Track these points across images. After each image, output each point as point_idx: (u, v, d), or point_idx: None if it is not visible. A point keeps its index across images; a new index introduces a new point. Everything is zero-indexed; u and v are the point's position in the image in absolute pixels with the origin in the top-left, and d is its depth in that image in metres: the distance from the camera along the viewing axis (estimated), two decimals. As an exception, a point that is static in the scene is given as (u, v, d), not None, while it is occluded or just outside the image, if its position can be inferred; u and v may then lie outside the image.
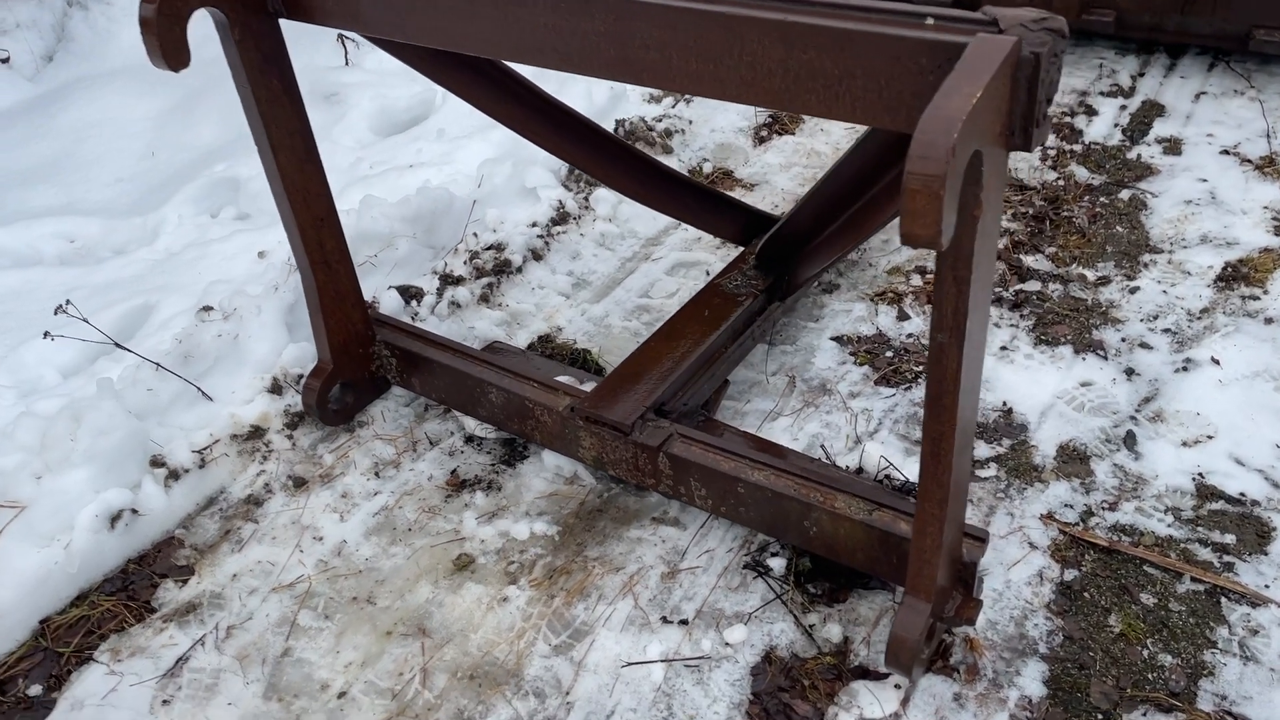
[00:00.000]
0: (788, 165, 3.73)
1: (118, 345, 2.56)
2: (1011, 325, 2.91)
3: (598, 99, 3.89)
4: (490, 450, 2.64)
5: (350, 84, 4.27)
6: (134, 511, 2.43)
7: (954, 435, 1.71)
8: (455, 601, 2.26)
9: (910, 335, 2.90)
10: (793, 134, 3.90)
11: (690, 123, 3.92)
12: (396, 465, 2.62)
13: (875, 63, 1.53)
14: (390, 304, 2.94)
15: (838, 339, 2.91)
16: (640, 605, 2.22)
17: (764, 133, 3.89)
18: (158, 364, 2.60)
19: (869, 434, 2.59)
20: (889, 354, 2.84)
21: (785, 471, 2.19)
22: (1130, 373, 2.73)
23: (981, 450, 2.53)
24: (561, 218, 3.42)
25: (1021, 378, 2.73)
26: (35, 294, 3.25)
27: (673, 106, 4.01)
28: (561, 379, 2.61)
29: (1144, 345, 2.81)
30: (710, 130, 3.92)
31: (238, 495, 2.56)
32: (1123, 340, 2.84)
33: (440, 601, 2.27)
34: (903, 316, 2.97)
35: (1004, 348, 2.83)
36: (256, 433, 2.66)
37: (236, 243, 3.32)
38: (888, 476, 2.39)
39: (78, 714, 2.10)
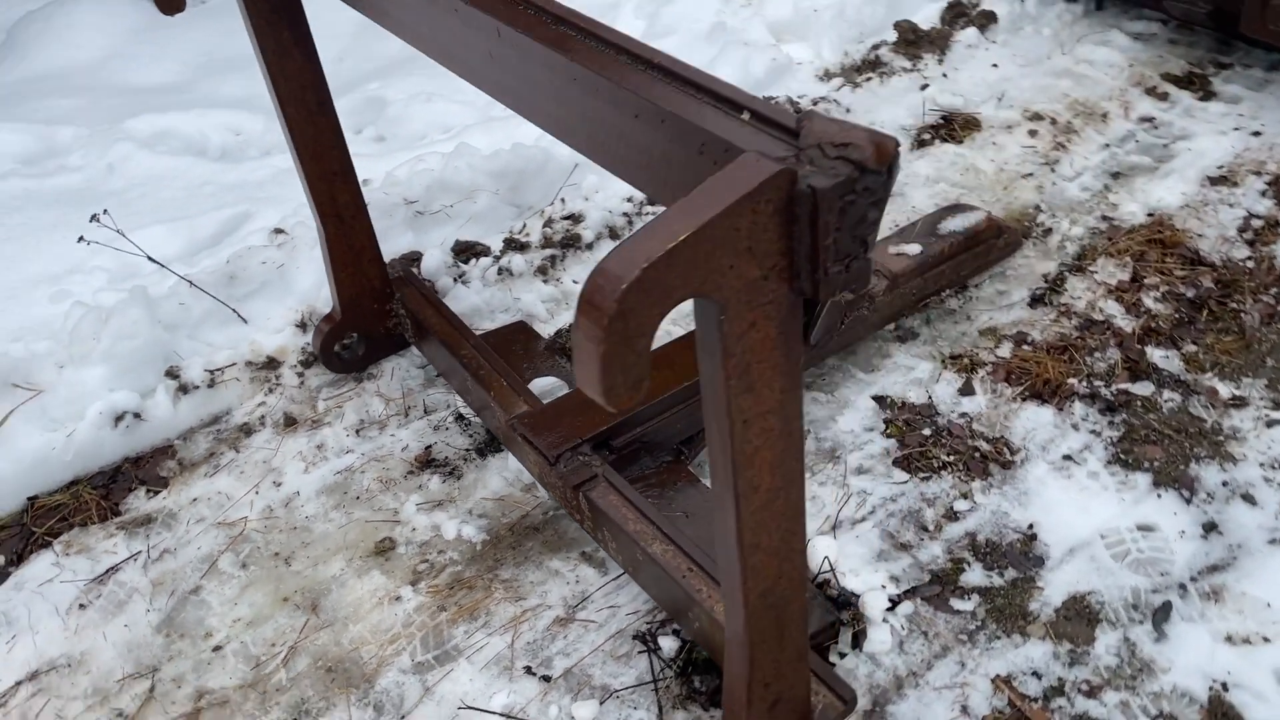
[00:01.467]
0: (935, 179, 3.28)
1: (150, 259, 2.71)
2: (1092, 431, 2.42)
3: (755, 70, 3.58)
4: (474, 434, 2.58)
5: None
6: (137, 416, 2.60)
7: (743, 591, 1.43)
8: (356, 586, 2.25)
9: (963, 415, 2.49)
10: (959, 143, 3.41)
11: (849, 110, 3.53)
12: (381, 427, 2.62)
13: (683, 151, 1.26)
14: (435, 261, 2.90)
15: (880, 399, 2.55)
16: (515, 646, 2.10)
17: (927, 135, 3.43)
18: (190, 281, 2.73)
19: (850, 522, 2.27)
20: (926, 431, 2.45)
21: (684, 552, 1.97)
22: (1210, 528, 2.20)
23: (974, 575, 2.15)
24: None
25: (1069, 499, 2.28)
26: (174, 182, 3.51)
27: (838, 89, 3.62)
28: (542, 380, 2.48)
29: (1247, 498, 2.25)
30: (869, 120, 3.51)
31: (236, 421, 2.67)
32: (1224, 484, 2.28)
33: (344, 582, 2.27)
34: (967, 391, 2.55)
35: (1068, 457, 2.36)
36: (271, 364, 2.75)
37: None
38: (825, 584, 2.09)
39: (14, 594, 2.31)
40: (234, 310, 2.79)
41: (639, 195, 3.20)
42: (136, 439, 2.61)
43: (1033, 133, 3.43)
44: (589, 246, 3.07)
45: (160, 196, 3.42)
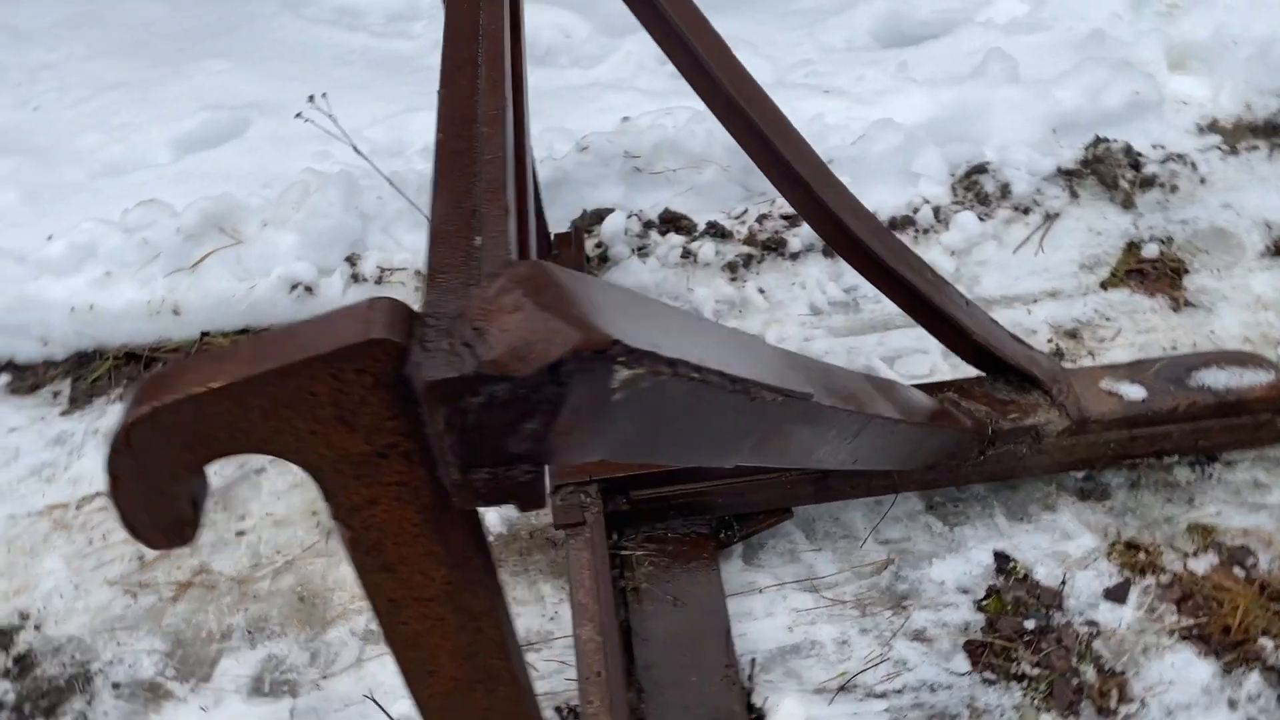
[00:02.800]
0: (1269, 304, 2.47)
1: (355, 150, 2.78)
2: (1254, 718, 1.75)
3: (1107, 100, 2.88)
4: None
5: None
6: (309, 290, 2.75)
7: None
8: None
9: (1091, 624, 1.91)
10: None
11: (1203, 180, 2.74)
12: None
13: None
14: (618, 226, 2.72)
15: (1002, 558, 2.03)
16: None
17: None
18: (390, 181, 2.79)
19: (864, 691, 1.85)
20: (1030, 624, 1.91)
21: (604, 652, 1.71)
22: None
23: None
24: (908, 221, 2.74)
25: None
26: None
27: (1207, 150, 2.82)
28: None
29: None
30: (1221, 203, 2.71)
31: (290, 305, 2.74)
32: None
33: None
34: (1117, 595, 1.94)
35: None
36: (436, 280, 2.76)
37: (623, 100, 3.26)
38: (763, 754, 1.73)
39: (103, 414, 2.58)
40: (425, 215, 2.82)
41: (892, 212, 2.75)
42: (303, 309, 2.77)
43: None
44: (793, 256, 2.71)
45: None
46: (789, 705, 1.76)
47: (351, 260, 2.79)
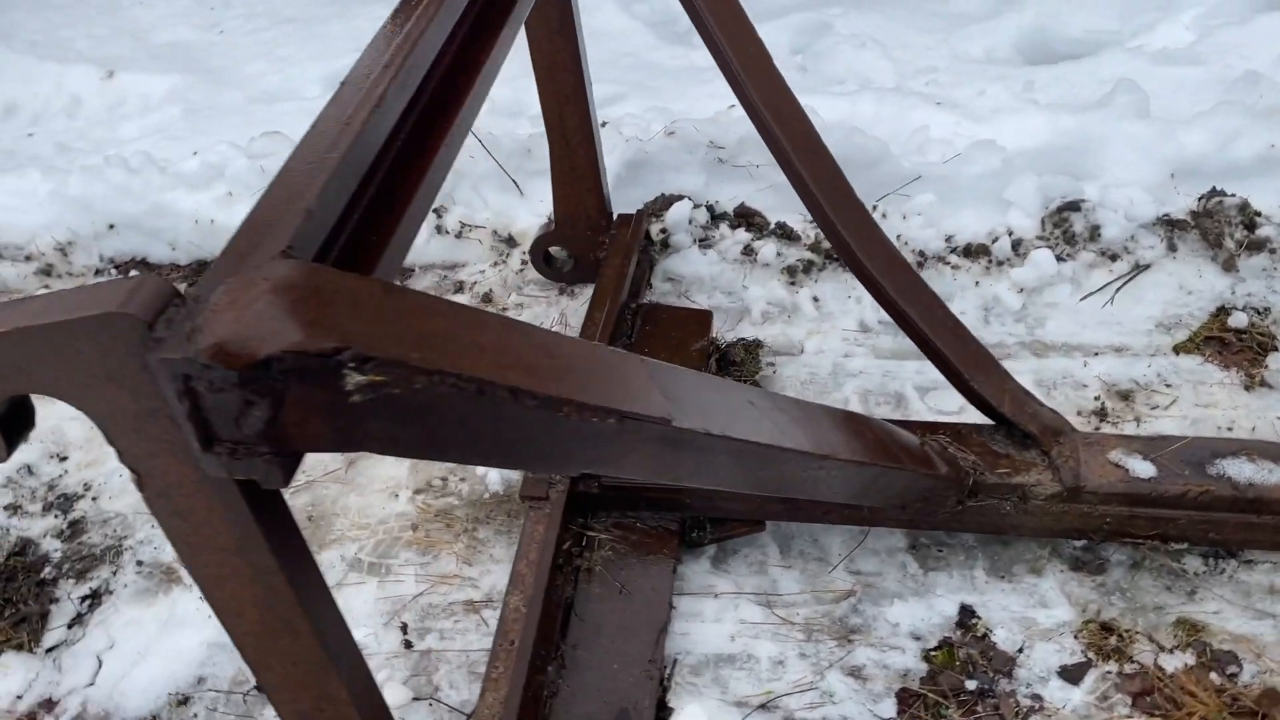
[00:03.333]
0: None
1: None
2: None
3: (1240, 152, 2.65)
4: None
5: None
6: (396, 234, 2.93)
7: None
8: (386, 463, 2.40)
9: (1036, 698, 1.83)
10: None
11: (1324, 253, 2.48)
12: (538, 344, 2.65)
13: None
14: (682, 214, 2.74)
15: (967, 613, 1.97)
16: (419, 600, 2.12)
17: None
18: (480, 140, 2.91)
19: (785, 717, 1.86)
20: (971, 685, 1.85)
21: (533, 621, 1.80)
22: None
23: None
24: (983, 250, 2.63)
25: None
26: (627, 42, 3.66)
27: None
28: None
29: None
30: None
31: (457, 277, 2.89)
32: None
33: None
34: (1073, 675, 1.85)
35: None
36: (510, 242, 2.88)
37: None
38: (655, 751, 1.77)
39: None
40: (514, 181, 2.94)
41: (968, 240, 2.66)
42: (389, 252, 2.95)
43: None
44: (856, 270, 2.66)
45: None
46: (694, 710, 1.80)
47: (438, 212, 2.95)
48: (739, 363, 2.48)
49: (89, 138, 3.57)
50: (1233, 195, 2.57)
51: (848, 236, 1.97)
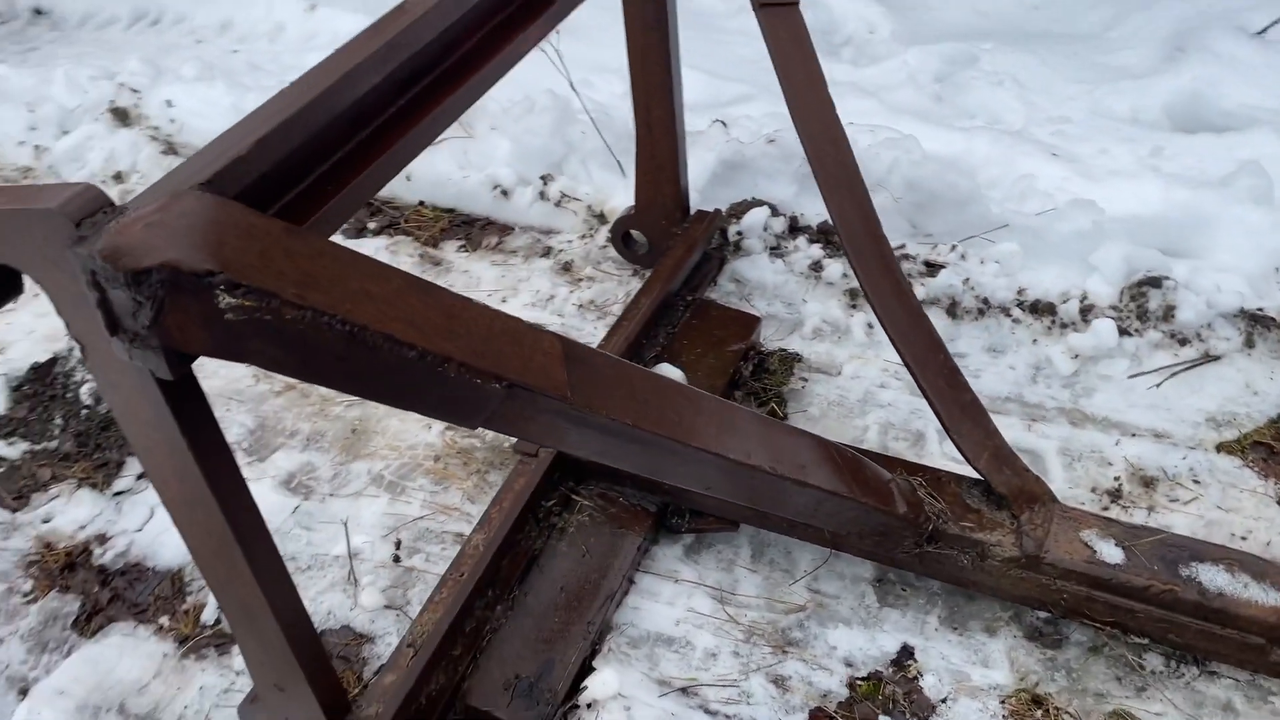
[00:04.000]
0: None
1: (570, 86, 3.06)
2: None
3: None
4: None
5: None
6: (504, 193, 3.15)
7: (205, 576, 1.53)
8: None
9: (942, 748, 1.85)
10: None
11: None
12: (600, 316, 2.81)
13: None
14: (758, 220, 2.82)
15: (906, 653, 2.00)
16: (418, 524, 2.33)
17: None
18: (592, 119, 3.07)
19: (699, 704, 1.95)
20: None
21: (483, 562, 1.97)
22: None
23: None
24: (1049, 309, 2.59)
25: None
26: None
27: None
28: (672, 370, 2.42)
29: None
30: None
31: (548, 243, 3.07)
32: None
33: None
34: (987, 735, 1.86)
35: None
36: (600, 218, 3.04)
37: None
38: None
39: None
40: (618, 161, 3.09)
41: (1039, 291, 2.62)
42: (496, 207, 3.17)
43: None
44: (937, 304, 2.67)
45: (735, 52, 3.71)
46: (607, 675, 1.92)
47: (545, 179, 3.14)
48: (772, 371, 2.55)
49: (279, 62, 3.97)
50: (1332, 300, 2.42)
51: (858, 265, 2.02)
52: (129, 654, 2.16)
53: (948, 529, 1.96)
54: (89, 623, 2.23)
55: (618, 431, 1.50)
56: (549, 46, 3.07)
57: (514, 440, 2.49)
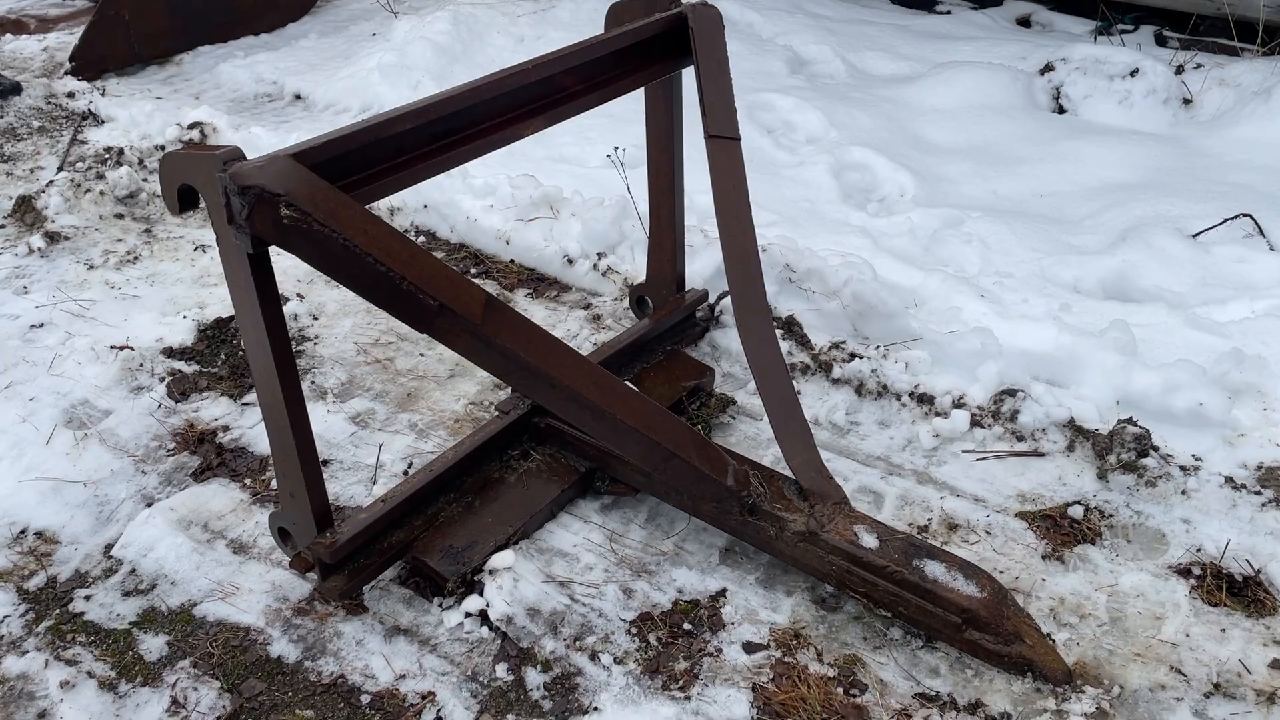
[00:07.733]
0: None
1: (628, 190, 4.08)
2: (730, 750, 2.37)
3: (1176, 403, 3.13)
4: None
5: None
6: (570, 262, 4.18)
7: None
8: (475, 372, 3.61)
9: (716, 651, 2.60)
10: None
11: (1184, 493, 2.89)
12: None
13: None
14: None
15: (720, 595, 2.77)
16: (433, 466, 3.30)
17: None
18: (640, 218, 4.07)
19: (561, 587, 2.78)
20: (685, 627, 2.67)
21: (424, 482, 2.91)
22: None
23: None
24: (929, 400, 3.33)
25: None
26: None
27: (1211, 481, 2.94)
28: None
29: None
30: (1184, 523, 2.86)
31: (588, 300, 4.06)
32: None
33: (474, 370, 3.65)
34: (749, 649, 2.60)
35: (687, 731, 2.42)
36: (628, 285, 4.00)
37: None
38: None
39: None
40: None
41: (929, 387, 3.37)
42: (561, 272, 4.20)
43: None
44: (834, 381, 3.47)
45: (782, 192, 4.66)
46: (508, 554, 2.80)
47: (600, 255, 4.16)
48: (710, 407, 3.41)
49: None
50: (1139, 426, 3.08)
51: (739, 316, 2.90)
52: (220, 496, 3.20)
53: (763, 505, 2.75)
54: (202, 475, 3.29)
55: (514, 359, 2.43)
56: (615, 158, 4.15)
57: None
